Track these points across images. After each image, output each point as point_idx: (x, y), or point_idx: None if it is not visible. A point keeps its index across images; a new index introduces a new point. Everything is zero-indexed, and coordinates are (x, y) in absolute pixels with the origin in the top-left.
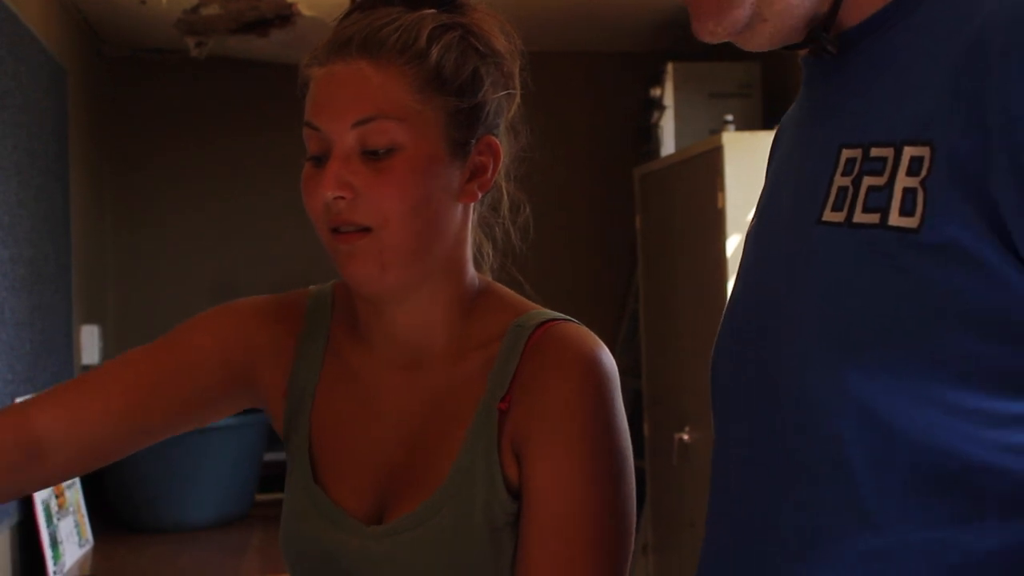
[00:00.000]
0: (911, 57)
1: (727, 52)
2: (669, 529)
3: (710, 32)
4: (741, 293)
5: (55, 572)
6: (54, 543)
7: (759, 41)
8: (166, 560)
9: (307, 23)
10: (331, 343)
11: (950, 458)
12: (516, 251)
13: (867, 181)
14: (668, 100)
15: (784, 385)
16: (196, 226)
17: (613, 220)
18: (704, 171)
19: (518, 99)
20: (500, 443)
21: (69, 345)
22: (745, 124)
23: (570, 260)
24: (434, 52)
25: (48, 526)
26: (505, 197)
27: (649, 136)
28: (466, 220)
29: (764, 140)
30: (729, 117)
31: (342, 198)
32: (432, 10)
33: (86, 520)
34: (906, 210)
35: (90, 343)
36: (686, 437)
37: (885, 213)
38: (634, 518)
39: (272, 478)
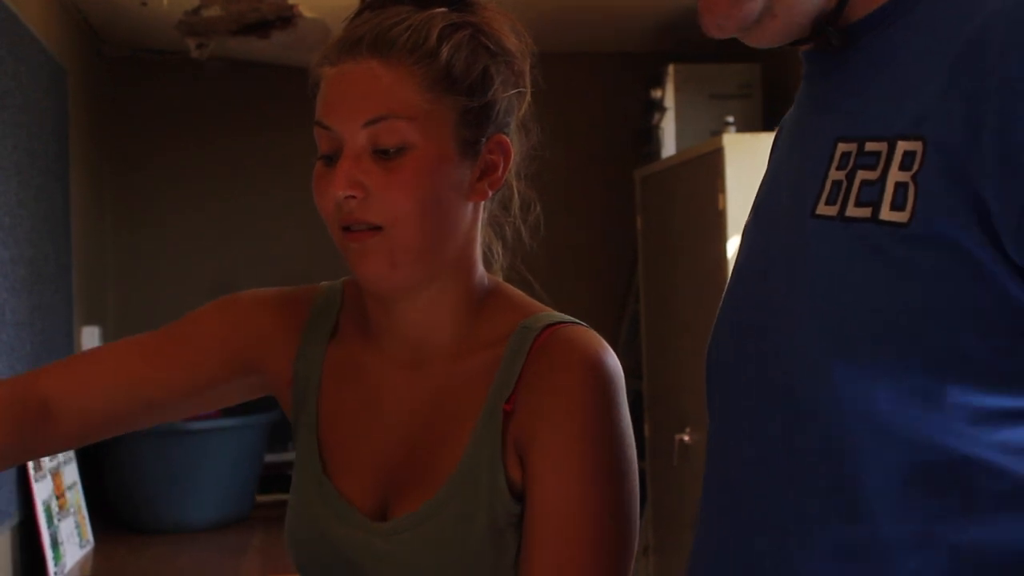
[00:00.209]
0: (910, 54)
1: (728, 53)
2: (669, 530)
3: (718, 27)
4: (737, 287)
5: (56, 573)
6: (55, 544)
7: (766, 37)
8: (166, 561)
9: (308, 24)
10: (338, 337)
11: (938, 453)
12: (526, 250)
13: (860, 175)
14: (669, 102)
15: (782, 380)
16: (196, 227)
17: (614, 221)
18: (705, 172)
19: (529, 97)
20: (504, 444)
21: (70, 346)
22: (746, 125)
23: (571, 261)
24: (444, 51)
25: (49, 527)
26: (516, 195)
27: (650, 137)
28: (476, 219)
29: (765, 141)
30: (730, 118)
31: (353, 197)
32: (442, 9)
33: (87, 521)
34: (897, 204)
35: (91, 344)
36: (687, 438)
37: (877, 207)
38: (637, 520)
39: (272, 479)
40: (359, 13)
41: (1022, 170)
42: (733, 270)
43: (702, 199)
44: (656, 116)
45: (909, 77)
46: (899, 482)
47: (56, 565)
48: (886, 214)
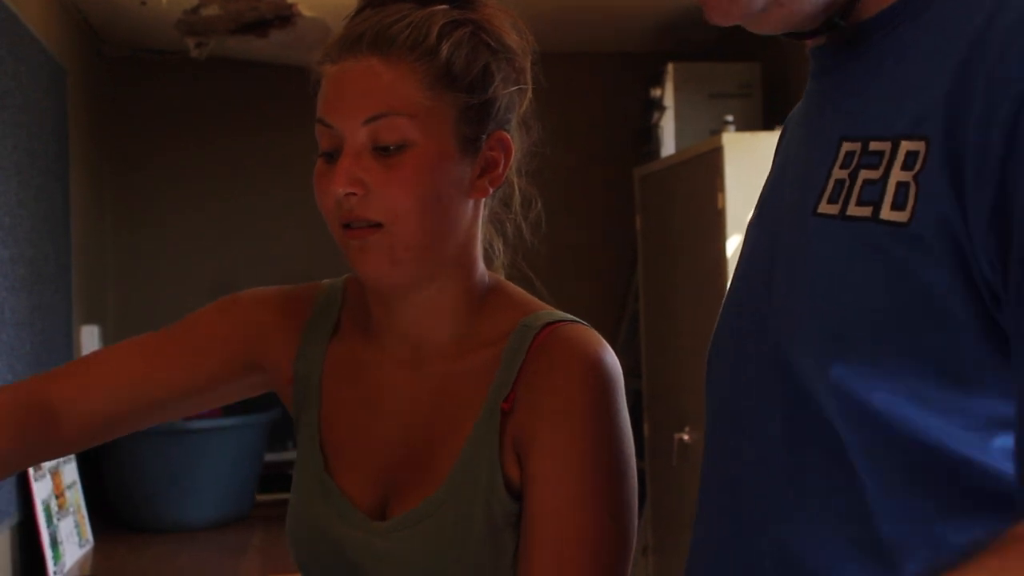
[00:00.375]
0: (919, 54)
1: (727, 53)
2: (669, 530)
3: (724, 13)
4: (739, 285)
5: (55, 572)
6: (54, 543)
7: (771, 26)
8: (166, 560)
9: (307, 23)
10: (339, 334)
11: (937, 454)
12: (528, 247)
13: (863, 174)
14: (668, 100)
15: (782, 380)
16: (196, 226)
17: (613, 220)
18: (704, 171)
19: (530, 94)
20: (502, 443)
21: (69, 345)
22: (745, 124)
23: (571, 260)
24: (444, 48)
25: (48, 526)
26: (516, 192)
27: (649, 136)
28: (477, 216)
29: (764, 140)
30: (729, 117)
31: (353, 194)
32: (443, 6)
33: (86, 520)
34: (898, 204)
35: (90, 343)
36: (686, 437)
37: (878, 206)
38: (635, 520)
39: (272, 478)
40: (360, 11)
41: (1012, 174)
42: (736, 267)
43: (701, 198)
44: (655, 115)
45: (915, 77)
46: (899, 483)
47: (56, 564)
48: (887, 213)
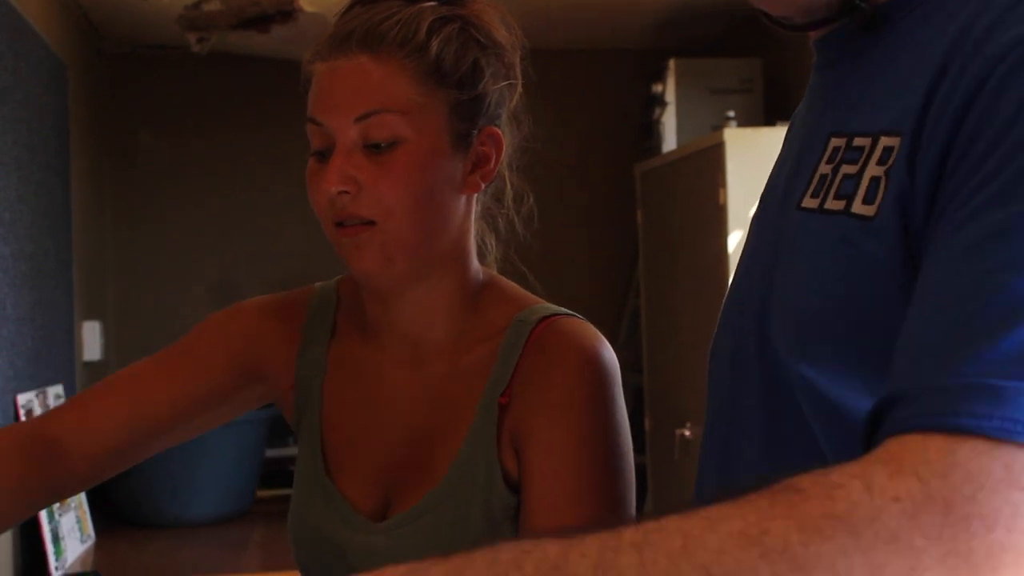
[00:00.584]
0: (910, 51)
1: (729, 48)
2: None
3: None
4: (739, 281)
5: (57, 568)
6: (56, 539)
7: (805, 7)
8: (167, 555)
9: (308, 19)
10: (337, 337)
11: None
12: (521, 243)
13: (844, 169)
14: (670, 96)
15: (776, 376)
16: (197, 222)
17: (614, 216)
18: (706, 167)
19: (520, 89)
20: (500, 437)
21: (70, 341)
22: (747, 120)
23: (571, 256)
24: (434, 45)
25: (50, 522)
26: (508, 187)
27: (651, 132)
28: (469, 211)
29: (766, 136)
30: (731, 113)
31: (346, 192)
32: (432, 3)
33: (88, 516)
34: (868, 198)
35: (91, 339)
36: (687, 433)
37: (851, 200)
38: (634, 512)
39: (274, 474)
40: (349, 8)
41: (962, 160)
42: (738, 264)
43: (703, 194)
44: (657, 111)
45: (904, 74)
46: None
47: (57, 560)
48: (857, 207)
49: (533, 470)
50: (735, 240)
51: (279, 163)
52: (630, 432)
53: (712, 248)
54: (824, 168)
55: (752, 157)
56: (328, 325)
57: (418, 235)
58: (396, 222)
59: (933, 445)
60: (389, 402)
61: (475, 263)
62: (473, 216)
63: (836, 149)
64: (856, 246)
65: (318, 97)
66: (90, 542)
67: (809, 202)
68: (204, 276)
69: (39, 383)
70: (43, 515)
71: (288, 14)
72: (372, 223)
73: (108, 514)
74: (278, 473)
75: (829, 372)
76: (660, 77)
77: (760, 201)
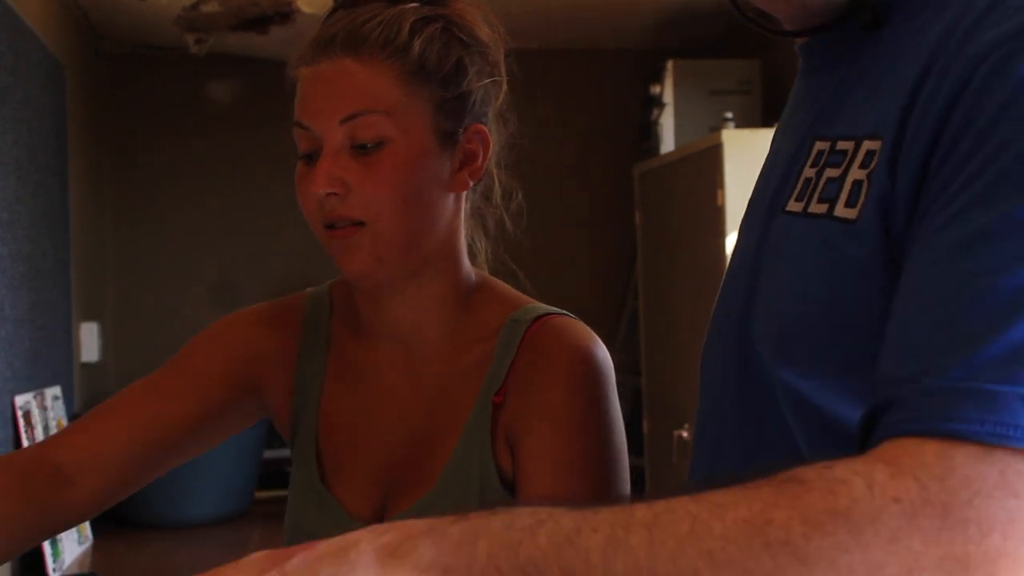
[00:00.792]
0: (897, 54)
1: (727, 49)
2: None
3: None
4: (728, 285)
5: (54, 569)
6: (53, 540)
7: (807, 11)
8: (165, 557)
9: (307, 20)
10: (332, 342)
11: None
12: (513, 243)
13: (827, 172)
14: (668, 97)
15: (761, 384)
16: (195, 223)
17: (613, 217)
18: (704, 168)
19: (505, 87)
20: (495, 435)
21: (68, 342)
22: (745, 121)
23: (570, 257)
24: (416, 44)
25: None
26: (497, 185)
27: (649, 133)
28: (458, 209)
29: (764, 137)
30: (729, 114)
31: (334, 194)
32: (414, 4)
33: None
34: (851, 201)
35: (89, 340)
36: (686, 435)
37: (833, 203)
38: None
39: (272, 475)
40: (333, 12)
41: (944, 163)
42: (727, 268)
43: (701, 195)
44: (655, 112)
45: (886, 78)
46: None
47: (55, 562)
48: (840, 210)
49: (527, 468)
50: (733, 241)
51: (278, 163)
52: (624, 430)
53: (710, 249)
54: (808, 172)
55: (750, 158)
56: (324, 331)
57: (407, 234)
58: (385, 222)
59: (930, 449)
60: (385, 404)
61: (466, 263)
62: (463, 215)
63: (820, 153)
64: (838, 249)
65: (303, 101)
66: (88, 543)
67: (793, 206)
68: (203, 276)
69: (37, 384)
70: None
71: (286, 15)
72: (361, 224)
73: (106, 515)
74: (277, 474)
75: (811, 376)
76: (658, 78)
77: (748, 205)
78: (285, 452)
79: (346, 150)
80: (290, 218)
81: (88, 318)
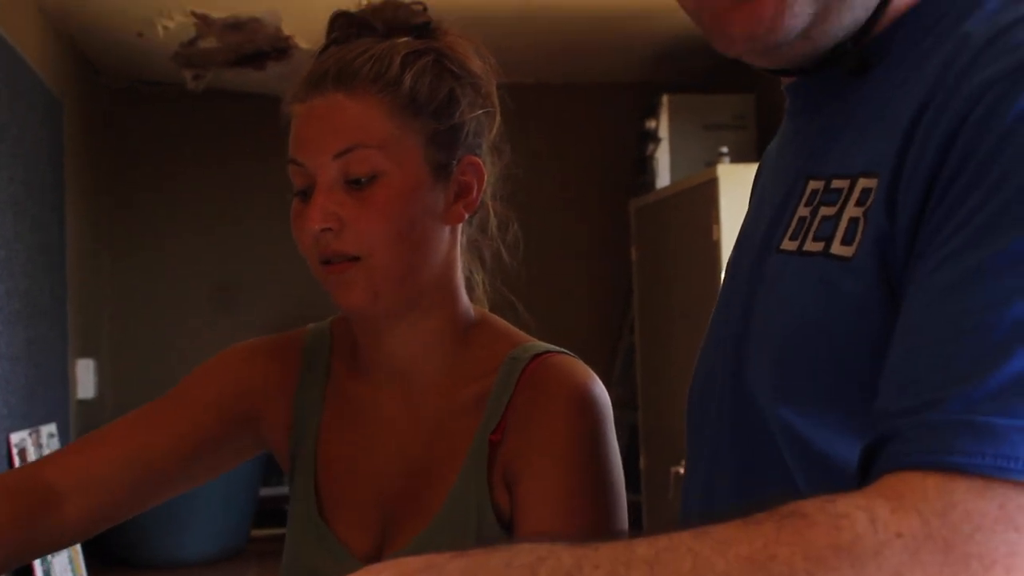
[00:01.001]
0: (890, 92)
1: (722, 84)
2: None
3: (752, 38)
4: (715, 325)
5: None
6: None
7: (784, 59)
8: None
9: (304, 55)
10: (332, 378)
11: None
12: (511, 276)
13: (823, 211)
14: (663, 132)
15: (753, 425)
16: (193, 258)
17: (609, 252)
18: (699, 203)
19: (498, 118)
20: (492, 473)
21: (64, 378)
22: (740, 156)
23: (566, 291)
24: (407, 78)
25: (42, 563)
26: (492, 216)
27: (645, 168)
28: (454, 242)
29: None
30: (724, 149)
31: (329, 230)
32: (405, 38)
33: (80, 556)
34: (847, 239)
35: (85, 376)
36: (682, 470)
37: (829, 241)
38: None
39: (268, 513)
40: (325, 48)
41: (942, 198)
42: (716, 306)
43: (697, 230)
44: (650, 147)
45: (880, 116)
46: None
47: None
48: (836, 248)
49: (525, 507)
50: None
51: (275, 197)
52: (623, 469)
53: (707, 284)
54: (803, 211)
55: (746, 193)
56: (323, 365)
57: (403, 267)
58: (380, 256)
59: (931, 483)
60: (383, 436)
61: (464, 297)
62: (459, 247)
63: (814, 192)
64: (835, 286)
65: (297, 138)
66: None
67: (788, 244)
68: (201, 311)
69: (32, 422)
70: None
71: (283, 51)
72: (357, 259)
73: (100, 554)
74: (273, 512)
75: (808, 413)
76: (653, 113)
77: (735, 246)
78: (282, 490)
79: (340, 185)
80: (287, 251)
81: (84, 354)
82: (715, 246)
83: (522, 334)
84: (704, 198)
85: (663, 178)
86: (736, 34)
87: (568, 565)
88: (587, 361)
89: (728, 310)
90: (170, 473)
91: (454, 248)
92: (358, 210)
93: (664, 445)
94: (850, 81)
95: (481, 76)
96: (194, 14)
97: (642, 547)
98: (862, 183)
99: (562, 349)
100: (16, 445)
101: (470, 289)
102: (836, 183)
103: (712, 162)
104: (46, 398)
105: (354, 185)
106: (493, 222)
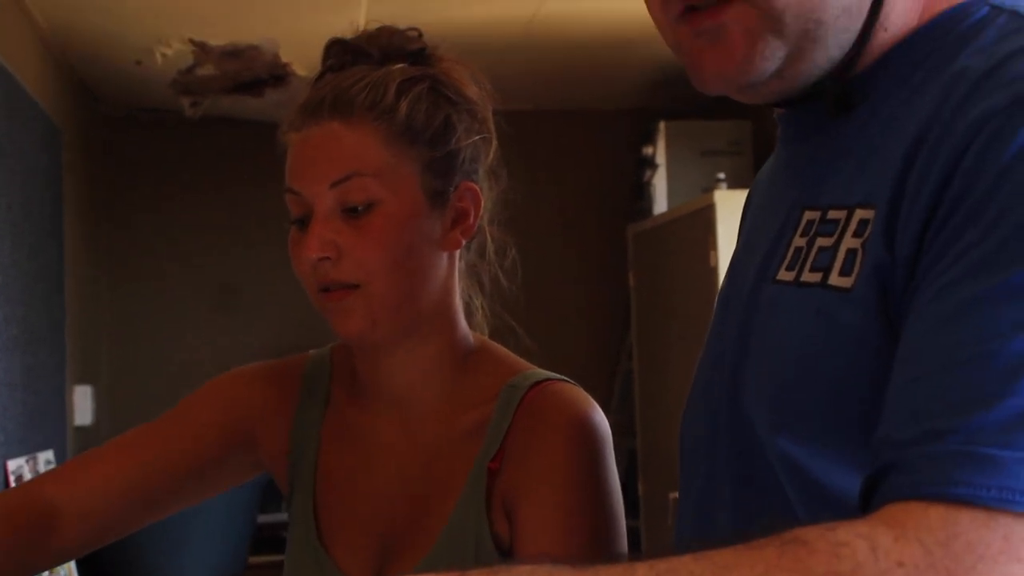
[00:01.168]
0: (886, 122)
1: (718, 110)
2: None
3: (724, 79)
4: (708, 355)
5: None
6: None
7: (762, 96)
8: None
9: (301, 83)
10: (331, 404)
11: None
12: (508, 297)
13: (819, 242)
14: (660, 158)
15: (748, 454)
16: (191, 284)
17: (607, 277)
18: (697, 229)
19: (495, 143)
20: (491, 502)
21: (62, 405)
22: (737, 182)
23: (564, 317)
24: (403, 106)
25: None
26: (490, 241)
27: (642, 194)
28: (452, 268)
29: None
30: (721, 175)
31: (327, 258)
32: (400, 65)
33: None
34: (845, 270)
35: (83, 403)
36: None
37: (827, 272)
38: None
39: (266, 540)
40: (321, 76)
41: (941, 230)
42: (708, 336)
43: (694, 256)
44: (648, 173)
45: (876, 146)
46: None
47: None
48: (834, 279)
49: (525, 533)
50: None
51: (273, 224)
52: (622, 496)
53: (705, 310)
54: (799, 241)
55: None
56: (323, 391)
57: (401, 295)
58: (378, 284)
59: (934, 513)
60: (382, 461)
61: (463, 323)
62: (457, 273)
63: (810, 222)
64: (833, 317)
65: (293, 167)
66: None
67: (784, 275)
68: (200, 338)
69: (30, 449)
70: None
71: (281, 78)
72: (355, 287)
73: None
74: (271, 539)
75: (807, 443)
76: (650, 139)
77: (727, 274)
78: (280, 516)
79: (337, 214)
80: (285, 277)
81: (82, 381)
82: (712, 272)
83: (522, 361)
84: (701, 224)
85: (660, 204)
86: (708, 74)
87: None
88: (585, 386)
89: (723, 339)
90: (168, 490)
91: (452, 274)
92: (355, 238)
93: (663, 470)
94: (837, 114)
95: (477, 102)
96: (192, 42)
97: (642, 570)
98: (859, 214)
99: (562, 376)
100: (13, 472)
101: (469, 314)
102: (832, 214)
103: (709, 188)
104: (44, 425)
105: (351, 213)
106: (491, 247)
